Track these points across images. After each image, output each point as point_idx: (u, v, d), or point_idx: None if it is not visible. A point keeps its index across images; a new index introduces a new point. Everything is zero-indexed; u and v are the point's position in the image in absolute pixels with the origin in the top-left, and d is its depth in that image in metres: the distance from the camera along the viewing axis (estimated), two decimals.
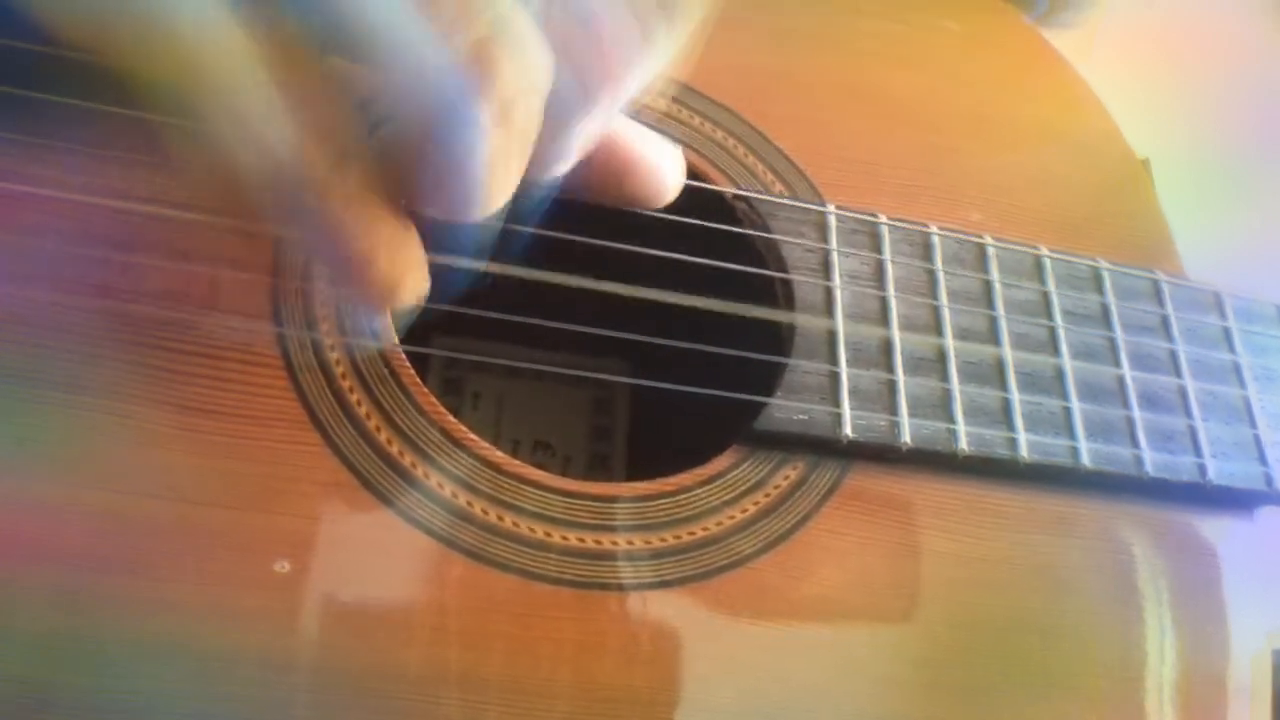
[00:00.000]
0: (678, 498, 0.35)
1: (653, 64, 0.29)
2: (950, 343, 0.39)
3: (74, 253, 0.32)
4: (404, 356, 0.34)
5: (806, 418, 0.37)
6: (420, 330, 0.37)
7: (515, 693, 0.31)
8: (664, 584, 0.33)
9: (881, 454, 0.37)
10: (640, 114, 0.33)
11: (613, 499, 0.35)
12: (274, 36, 0.25)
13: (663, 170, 0.35)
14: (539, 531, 0.33)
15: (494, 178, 0.27)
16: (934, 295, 0.40)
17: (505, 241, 0.32)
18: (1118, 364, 0.41)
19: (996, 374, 0.39)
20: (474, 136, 0.26)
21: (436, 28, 0.25)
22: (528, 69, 0.26)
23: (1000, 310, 0.41)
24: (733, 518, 0.35)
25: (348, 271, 0.28)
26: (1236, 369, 0.43)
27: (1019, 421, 0.39)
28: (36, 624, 0.28)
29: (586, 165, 0.32)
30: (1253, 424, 0.42)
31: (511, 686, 0.31)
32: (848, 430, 0.37)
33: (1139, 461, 0.39)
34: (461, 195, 0.28)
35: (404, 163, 0.28)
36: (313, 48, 0.26)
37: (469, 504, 0.33)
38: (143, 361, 0.31)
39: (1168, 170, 0.47)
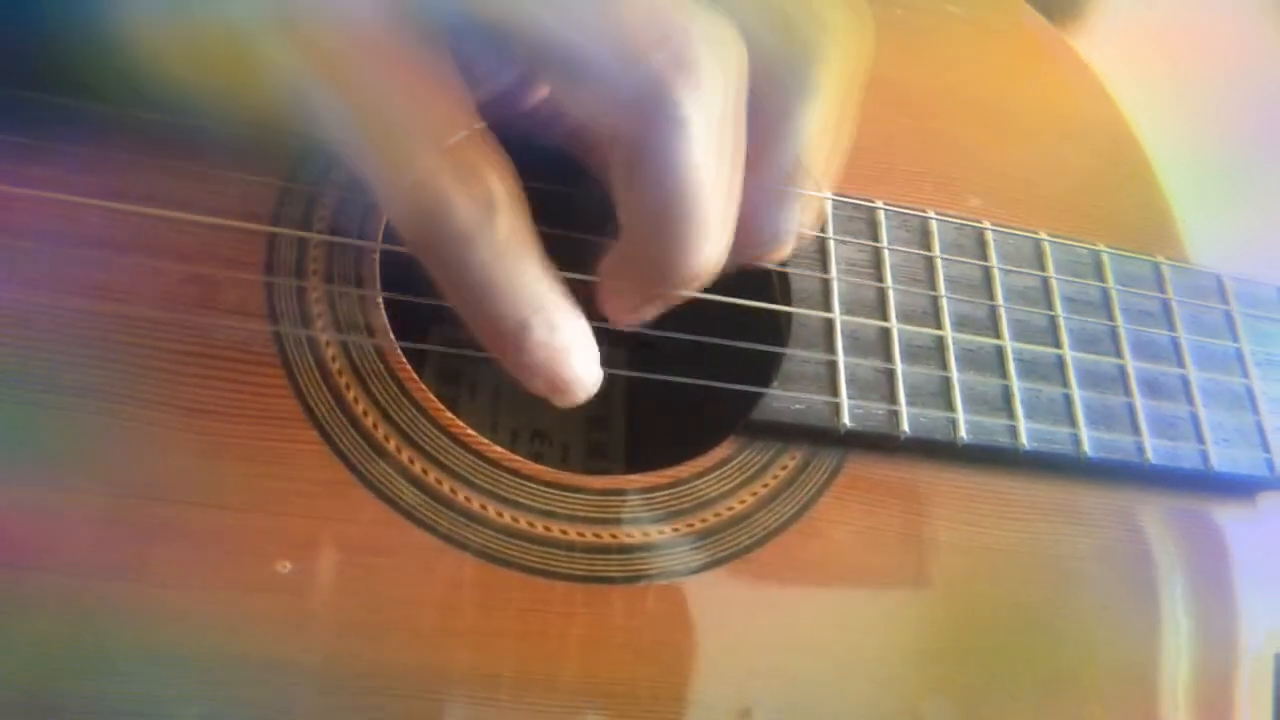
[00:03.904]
0: (676, 489, 0.35)
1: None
2: (949, 330, 0.39)
3: (70, 253, 0.32)
4: (400, 353, 0.34)
5: (804, 407, 0.37)
6: (417, 321, 0.37)
7: (524, 690, 0.31)
8: (664, 577, 0.33)
9: (880, 443, 0.37)
10: None
11: (613, 492, 0.35)
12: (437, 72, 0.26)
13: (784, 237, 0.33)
14: (539, 526, 0.33)
15: (708, 197, 0.26)
16: (932, 282, 0.40)
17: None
18: (1119, 351, 0.41)
19: (996, 362, 0.39)
20: (682, 136, 0.25)
21: (631, 26, 0.25)
22: (726, 51, 0.25)
23: (1000, 297, 0.41)
24: (731, 509, 0.35)
25: (501, 341, 0.27)
26: (1238, 355, 0.43)
27: (1019, 409, 0.38)
28: (42, 630, 0.28)
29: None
30: (1254, 410, 0.41)
31: (520, 684, 0.31)
32: (846, 420, 0.37)
33: (1140, 449, 0.39)
34: (688, 209, 0.26)
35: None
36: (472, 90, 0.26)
37: (468, 500, 0.33)
38: (140, 363, 0.31)
39: (1167, 170, 0.47)
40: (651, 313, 0.30)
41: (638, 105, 0.25)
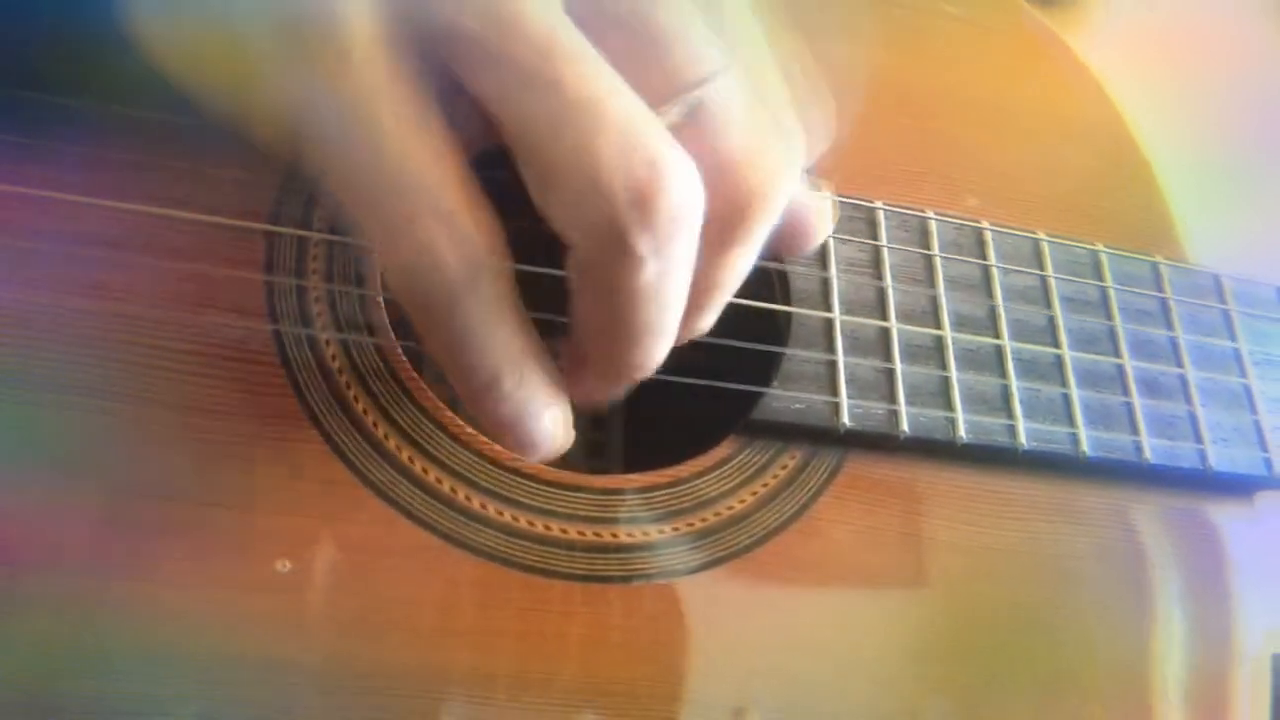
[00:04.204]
0: (677, 489, 0.35)
1: (795, 172, 0.29)
2: (948, 330, 0.39)
3: (70, 253, 0.32)
4: (401, 351, 0.34)
5: (804, 407, 0.37)
6: None
7: (523, 689, 0.31)
8: (664, 577, 0.34)
9: (880, 443, 0.37)
10: None
11: (613, 491, 0.35)
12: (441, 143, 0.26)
13: (808, 224, 0.33)
14: (539, 525, 0.33)
15: (655, 315, 0.27)
16: (931, 282, 0.40)
17: None
18: (1117, 350, 0.41)
19: (995, 361, 0.39)
20: (634, 269, 0.26)
21: (601, 162, 0.25)
22: (684, 198, 0.26)
23: (999, 297, 0.41)
24: (730, 508, 0.35)
25: (472, 394, 0.28)
26: (1236, 354, 0.43)
27: (1018, 409, 0.38)
28: (42, 630, 0.28)
29: None
30: (1253, 409, 0.42)
31: (519, 683, 0.31)
32: (845, 419, 0.37)
33: (1139, 448, 0.39)
34: (629, 323, 0.27)
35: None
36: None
37: (468, 499, 0.33)
38: (140, 362, 0.31)
39: (1168, 172, 0.47)
40: (618, 391, 0.31)
41: (594, 232, 0.26)
